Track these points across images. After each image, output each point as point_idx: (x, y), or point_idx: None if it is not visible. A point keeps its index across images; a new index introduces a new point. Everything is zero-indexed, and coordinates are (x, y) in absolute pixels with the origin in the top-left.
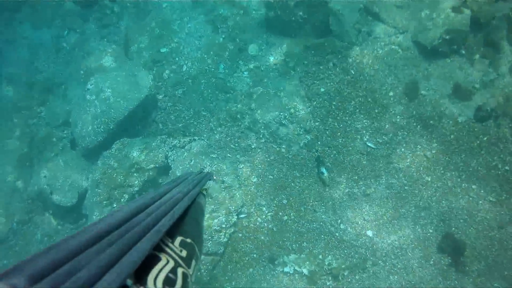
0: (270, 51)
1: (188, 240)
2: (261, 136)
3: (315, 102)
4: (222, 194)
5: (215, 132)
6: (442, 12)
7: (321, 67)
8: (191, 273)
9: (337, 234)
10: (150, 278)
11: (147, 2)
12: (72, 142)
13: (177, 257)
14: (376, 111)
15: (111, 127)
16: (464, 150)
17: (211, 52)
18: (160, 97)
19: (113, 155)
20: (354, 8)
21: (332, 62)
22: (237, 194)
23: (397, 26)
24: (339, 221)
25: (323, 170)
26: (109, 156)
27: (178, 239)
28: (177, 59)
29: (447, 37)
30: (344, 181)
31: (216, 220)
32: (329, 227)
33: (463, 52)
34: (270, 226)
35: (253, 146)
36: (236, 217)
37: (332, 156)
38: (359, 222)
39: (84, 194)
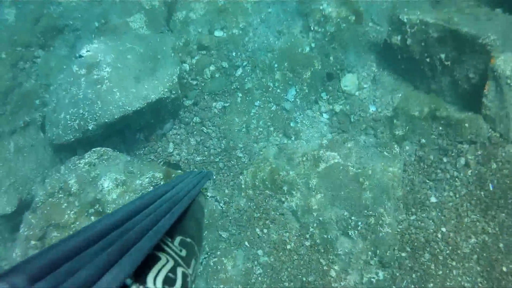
0: (374, 94)
1: (188, 240)
2: (307, 235)
3: (413, 217)
4: None
5: (242, 194)
6: None
7: (444, 160)
8: (191, 272)
9: None
10: (150, 277)
11: None
12: (44, 121)
13: (176, 257)
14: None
15: (89, 127)
16: None
17: (286, 63)
18: (188, 103)
19: (78, 171)
20: None
21: (465, 159)
22: None
23: None
24: None
25: None
26: (73, 169)
27: (178, 238)
28: (233, 54)
29: None
30: None
31: None
32: None
33: None
34: None
35: (288, 247)
36: None
37: None
38: None
39: (29, 204)
